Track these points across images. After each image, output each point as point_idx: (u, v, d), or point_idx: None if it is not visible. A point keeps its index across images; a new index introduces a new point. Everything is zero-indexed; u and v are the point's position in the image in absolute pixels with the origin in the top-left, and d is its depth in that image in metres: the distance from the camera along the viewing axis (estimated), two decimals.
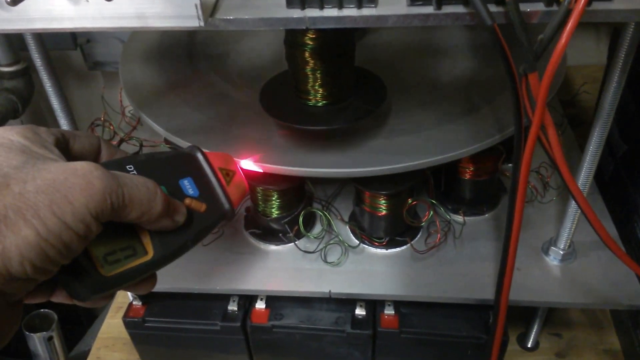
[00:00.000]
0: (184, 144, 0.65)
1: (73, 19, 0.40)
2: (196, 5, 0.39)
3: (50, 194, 0.29)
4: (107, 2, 0.39)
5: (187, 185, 0.37)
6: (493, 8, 0.41)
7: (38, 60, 0.57)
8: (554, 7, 0.41)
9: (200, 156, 0.39)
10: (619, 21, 0.42)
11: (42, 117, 1.33)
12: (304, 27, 0.43)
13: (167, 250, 0.35)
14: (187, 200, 0.37)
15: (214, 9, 0.43)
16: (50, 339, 0.90)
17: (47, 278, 0.30)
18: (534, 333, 0.82)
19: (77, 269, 0.32)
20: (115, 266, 0.33)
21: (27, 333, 0.88)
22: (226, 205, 0.39)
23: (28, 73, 0.97)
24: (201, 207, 0.37)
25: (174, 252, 0.36)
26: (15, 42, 0.91)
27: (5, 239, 0.27)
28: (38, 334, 0.88)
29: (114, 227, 0.33)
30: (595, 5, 0.40)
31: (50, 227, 0.28)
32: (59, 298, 0.36)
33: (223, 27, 0.42)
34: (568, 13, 0.38)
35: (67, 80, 1.27)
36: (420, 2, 0.42)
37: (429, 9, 0.42)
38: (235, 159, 0.46)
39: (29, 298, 0.34)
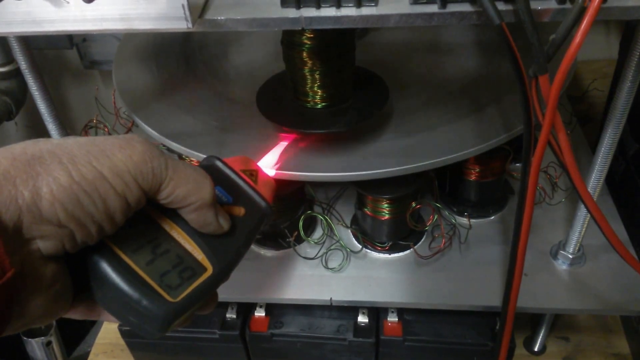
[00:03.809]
0: (178, 148, 0.63)
1: (53, 21, 0.38)
2: (183, 6, 0.37)
3: (88, 147, 0.29)
4: (88, 4, 0.36)
5: (219, 195, 0.37)
6: (501, 6, 0.39)
7: (22, 63, 0.55)
8: (567, 5, 0.38)
9: (220, 164, 0.39)
10: (635, 18, 0.40)
11: (39, 119, 1.30)
12: (300, 28, 0.41)
13: (224, 261, 0.35)
14: (225, 208, 0.36)
15: (204, 9, 0.40)
16: (48, 344, 0.89)
17: (85, 239, 0.29)
18: (541, 337, 0.80)
19: (142, 303, 0.31)
20: (180, 289, 0.33)
21: (25, 338, 0.87)
22: (262, 204, 0.39)
23: (21, 74, 0.94)
24: (240, 211, 0.37)
25: (231, 262, 0.36)
26: (6, 42, 0.88)
27: (38, 176, 0.27)
28: (36, 339, 0.87)
29: (163, 248, 0.33)
30: (611, 2, 0.38)
31: (85, 174, 0.28)
32: (77, 313, 0.34)
33: (213, 29, 0.40)
34: (583, 11, 0.36)
35: (63, 79, 1.25)
36: (424, 1, 0.40)
37: (433, 8, 0.40)
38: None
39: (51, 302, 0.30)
